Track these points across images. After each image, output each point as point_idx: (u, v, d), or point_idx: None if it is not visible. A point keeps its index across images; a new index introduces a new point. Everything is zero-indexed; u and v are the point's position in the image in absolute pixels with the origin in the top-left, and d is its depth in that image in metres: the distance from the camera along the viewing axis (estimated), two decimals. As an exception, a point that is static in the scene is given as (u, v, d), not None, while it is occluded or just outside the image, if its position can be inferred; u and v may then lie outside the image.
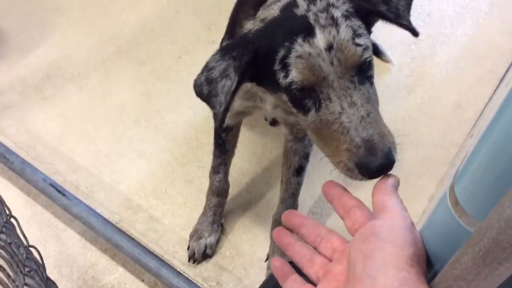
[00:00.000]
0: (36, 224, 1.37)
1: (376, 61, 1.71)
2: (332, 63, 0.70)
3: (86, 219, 1.32)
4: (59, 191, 1.36)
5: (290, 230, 0.69)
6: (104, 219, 1.34)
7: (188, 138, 1.56)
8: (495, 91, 1.33)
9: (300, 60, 0.71)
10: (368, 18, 0.78)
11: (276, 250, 1.25)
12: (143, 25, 1.86)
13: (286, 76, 0.72)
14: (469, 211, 0.48)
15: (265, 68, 0.75)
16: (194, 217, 1.35)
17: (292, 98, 0.76)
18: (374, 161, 0.67)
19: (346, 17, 0.73)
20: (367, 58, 0.73)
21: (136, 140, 1.56)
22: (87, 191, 1.44)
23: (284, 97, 0.77)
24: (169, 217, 1.39)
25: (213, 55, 0.79)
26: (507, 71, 1.35)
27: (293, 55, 0.71)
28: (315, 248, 0.65)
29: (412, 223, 0.57)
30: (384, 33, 1.85)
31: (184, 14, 1.87)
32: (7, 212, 0.99)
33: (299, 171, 1.22)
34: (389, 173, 0.66)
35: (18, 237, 0.97)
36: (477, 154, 0.47)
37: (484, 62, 1.76)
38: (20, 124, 1.58)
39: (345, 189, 0.65)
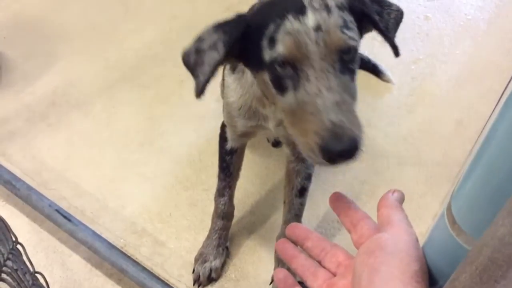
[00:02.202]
0: (42, 250, 1.37)
1: (376, 81, 1.75)
2: (317, 43, 0.72)
3: (92, 244, 1.32)
4: (64, 217, 1.37)
5: (295, 243, 0.69)
6: (109, 244, 1.34)
7: (192, 161, 1.57)
8: (494, 109, 1.34)
9: (288, 36, 0.72)
10: (361, 21, 0.80)
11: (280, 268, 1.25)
12: (146, 50, 1.89)
13: (271, 50, 0.74)
14: (466, 229, 0.49)
15: (253, 44, 0.77)
16: (199, 240, 1.35)
17: (273, 76, 0.77)
18: (338, 145, 0.67)
19: (340, 8, 0.76)
20: (351, 45, 0.74)
21: (141, 164, 1.57)
22: (92, 216, 1.45)
23: (266, 76, 0.78)
24: (174, 241, 1.39)
25: (207, 28, 0.81)
26: (505, 89, 1.36)
27: (282, 30, 0.73)
28: (320, 262, 0.66)
29: (417, 239, 0.58)
30: (383, 53, 1.87)
31: (186, 39, 1.89)
32: (13, 239, 1.00)
33: (302, 192, 1.22)
34: (395, 188, 0.66)
35: (24, 263, 0.98)
36: (472, 172, 0.48)
37: (483, 80, 1.78)
38: (26, 151, 1.60)
39: (352, 202, 0.66)
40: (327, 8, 0.74)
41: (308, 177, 1.21)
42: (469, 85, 1.78)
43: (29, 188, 1.45)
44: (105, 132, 1.66)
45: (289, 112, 0.77)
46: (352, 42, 0.74)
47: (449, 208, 0.51)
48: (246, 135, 1.16)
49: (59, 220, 1.37)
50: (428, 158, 1.57)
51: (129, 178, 1.54)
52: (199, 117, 1.68)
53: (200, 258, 1.31)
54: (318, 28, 0.72)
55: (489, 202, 0.45)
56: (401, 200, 0.63)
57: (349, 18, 0.77)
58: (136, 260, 1.33)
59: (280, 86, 0.77)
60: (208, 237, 1.33)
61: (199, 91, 0.80)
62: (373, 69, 1.77)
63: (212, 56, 0.78)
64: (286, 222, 1.27)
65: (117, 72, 1.83)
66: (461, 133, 1.62)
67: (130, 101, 1.75)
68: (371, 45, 1.90)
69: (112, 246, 1.33)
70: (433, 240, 0.57)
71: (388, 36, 0.81)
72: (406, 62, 1.85)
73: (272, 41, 0.74)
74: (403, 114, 1.69)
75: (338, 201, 0.66)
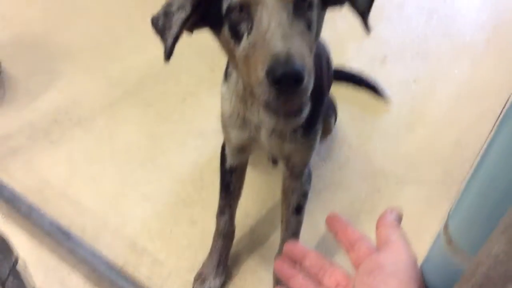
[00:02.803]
0: (42, 268, 1.37)
1: (376, 100, 1.77)
2: None
3: (91, 263, 1.32)
4: (65, 235, 1.37)
5: (293, 261, 0.69)
6: (109, 262, 1.34)
7: (193, 179, 1.58)
8: (492, 129, 1.35)
9: None
10: None
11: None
12: (148, 68, 1.92)
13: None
14: (463, 247, 0.49)
15: (215, 3, 0.80)
16: (199, 259, 1.35)
17: (230, 25, 0.79)
18: (282, 68, 0.68)
19: None
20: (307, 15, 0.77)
21: (142, 182, 1.58)
22: (92, 234, 1.45)
23: (226, 30, 0.80)
24: (173, 259, 1.39)
25: None
26: (502, 109, 1.37)
27: None
28: (318, 281, 0.65)
29: (416, 259, 0.58)
30: (383, 73, 1.89)
31: (188, 57, 1.92)
32: (15, 256, 1.00)
33: (299, 210, 1.22)
34: (392, 207, 0.66)
35: (25, 281, 0.98)
36: (468, 191, 0.49)
37: (482, 100, 1.79)
38: (28, 168, 1.61)
39: (349, 222, 0.66)
40: None
41: (304, 195, 1.21)
42: (468, 105, 1.79)
43: (30, 205, 1.45)
44: (106, 150, 1.67)
45: (244, 58, 0.78)
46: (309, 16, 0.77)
47: (446, 227, 0.52)
48: (242, 150, 1.17)
49: (59, 237, 1.37)
50: (428, 177, 1.57)
51: (130, 195, 1.54)
52: (201, 135, 1.69)
53: (200, 277, 1.31)
54: None
55: (485, 220, 0.46)
56: (399, 219, 0.63)
57: None
58: (136, 279, 1.32)
59: (236, 34, 0.79)
60: (209, 256, 1.33)
61: (168, 53, 0.82)
62: (373, 88, 1.78)
63: (179, 17, 0.81)
64: (284, 241, 1.27)
65: (120, 89, 1.85)
66: (460, 152, 1.63)
67: (132, 118, 1.76)
68: (371, 65, 1.92)
69: (111, 265, 1.33)
70: (431, 258, 0.58)
71: (357, 6, 0.81)
72: (405, 82, 1.87)
73: None
74: (403, 133, 1.70)
75: (335, 221, 0.67)
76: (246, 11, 0.76)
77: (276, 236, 1.42)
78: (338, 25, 1.91)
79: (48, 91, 1.85)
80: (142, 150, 1.66)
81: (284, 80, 0.68)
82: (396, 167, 1.60)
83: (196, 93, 1.83)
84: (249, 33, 0.76)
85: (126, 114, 1.77)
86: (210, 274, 1.30)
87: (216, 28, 0.85)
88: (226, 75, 1.06)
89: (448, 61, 1.96)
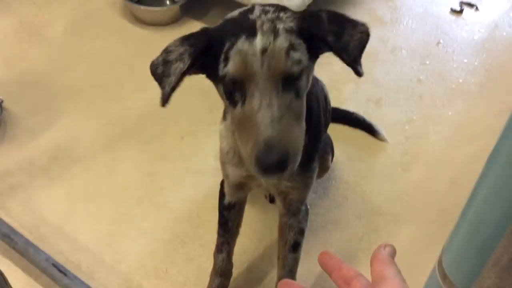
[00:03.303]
0: (36, 306, 1.36)
1: (372, 140, 1.80)
2: (262, 66, 0.78)
3: (87, 300, 1.31)
4: (60, 271, 1.37)
5: None
6: (105, 299, 1.33)
7: (190, 216, 1.58)
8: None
9: (238, 56, 0.80)
10: (313, 42, 0.85)
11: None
12: (149, 108, 1.95)
13: (225, 66, 0.81)
14: (457, 283, 0.50)
15: (214, 58, 0.84)
16: (195, 297, 1.34)
17: (225, 89, 0.84)
18: (268, 159, 0.77)
19: (287, 31, 0.82)
20: (295, 71, 0.81)
21: (139, 219, 1.58)
22: (88, 271, 1.44)
23: (221, 88, 0.86)
24: (169, 297, 1.38)
25: (174, 40, 0.87)
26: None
27: (234, 49, 0.80)
28: None
29: None
30: (378, 113, 1.93)
31: (187, 97, 1.96)
32: (10, 292, 0.99)
33: (295, 247, 1.22)
34: (386, 243, 0.67)
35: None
36: (460, 228, 0.50)
37: (476, 140, 1.82)
38: (25, 205, 1.61)
39: (343, 261, 0.67)
40: (275, 32, 0.80)
41: (301, 232, 1.22)
42: (462, 145, 1.82)
43: (27, 242, 1.45)
44: (104, 187, 1.68)
45: (238, 123, 0.84)
46: (295, 68, 0.81)
47: (440, 263, 0.53)
48: (240, 187, 1.18)
49: (55, 274, 1.36)
50: (424, 216, 1.58)
51: (127, 233, 1.54)
52: (199, 173, 1.71)
53: (196, 316, 1.29)
54: (264, 51, 0.79)
55: (477, 256, 0.47)
56: (393, 254, 0.64)
57: (297, 41, 0.82)
58: (131, 317, 1.31)
59: (231, 99, 0.84)
60: (205, 294, 1.32)
61: (164, 100, 0.86)
62: (368, 128, 1.82)
63: (178, 67, 0.84)
64: (280, 278, 1.25)
65: (119, 128, 1.88)
66: (456, 191, 1.65)
67: (131, 156, 1.78)
68: (366, 106, 1.96)
69: (107, 302, 1.32)
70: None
71: (344, 57, 0.83)
72: (400, 123, 1.90)
73: (226, 58, 0.81)
74: (398, 173, 1.73)
75: (328, 260, 0.67)
76: (239, 84, 0.82)
77: (273, 274, 1.41)
78: (334, 67, 1.96)
79: (49, 129, 1.87)
80: (140, 188, 1.67)
81: (269, 168, 0.78)
82: (392, 206, 1.62)
83: (194, 132, 1.85)
84: (242, 103, 0.82)
85: (125, 152, 1.79)
86: (207, 312, 1.29)
87: (213, 79, 0.89)
88: (225, 113, 1.09)
89: (442, 103, 2.01)
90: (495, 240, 0.43)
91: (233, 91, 0.83)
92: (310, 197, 1.61)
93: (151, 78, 0.89)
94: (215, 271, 1.30)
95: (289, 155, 0.78)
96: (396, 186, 1.68)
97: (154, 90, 0.86)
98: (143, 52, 2.22)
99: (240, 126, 0.84)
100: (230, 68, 0.80)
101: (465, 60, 2.22)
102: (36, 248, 1.43)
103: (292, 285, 0.69)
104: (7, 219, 1.54)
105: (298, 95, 0.84)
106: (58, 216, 1.58)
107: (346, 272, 0.64)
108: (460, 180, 1.68)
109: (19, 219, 1.56)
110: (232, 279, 1.36)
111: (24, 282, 1.41)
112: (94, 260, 1.47)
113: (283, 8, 0.87)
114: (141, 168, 1.74)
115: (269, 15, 0.83)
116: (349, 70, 0.83)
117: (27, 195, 1.64)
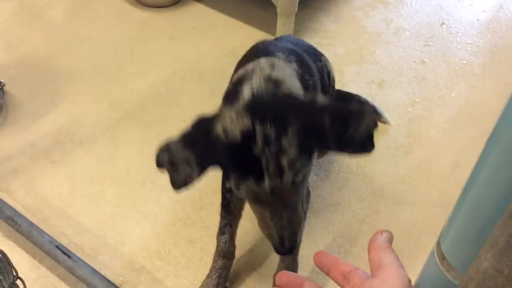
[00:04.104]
0: (41, 286, 1.37)
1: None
2: (271, 197, 0.86)
3: (90, 281, 1.33)
4: (64, 253, 1.38)
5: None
6: (108, 281, 1.34)
7: (192, 199, 1.59)
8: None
9: (248, 191, 0.87)
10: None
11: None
12: (150, 91, 1.94)
13: (235, 188, 0.88)
14: (455, 265, 0.50)
15: (224, 169, 0.90)
16: (198, 278, 1.36)
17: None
18: (280, 250, 0.96)
19: (292, 162, 0.83)
20: (299, 191, 0.90)
21: (141, 202, 1.59)
22: (92, 253, 1.45)
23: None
24: (172, 279, 1.39)
25: (175, 142, 0.89)
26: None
27: (244, 185, 0.86)
28: None
29: (409, 281, 0.59)
30: (381, 95, 1.92)
31: (189, 81, 1.96)
32: (14, 274, 1.01)
33: None
34: (383, 229, 0.67)
35: (24, 298, 0.98)
36: (459, 210, 0.50)
37: (479, 122, 1.82)
38: (28, 188, 1.62)
39: (338, 258, 0.67)
40: (281, 171, 0.83)
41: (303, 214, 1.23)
42: (465, 127, 1.82)
43: (31, 224, 1.46)
44: (107, 170, 1.68)
45: (257, 213, 0.96)
46: (300, 189, 0.90)
47: (438, 245, 0.53)
48: None
49: (59, 256, 1.38)
50: (425, 199, 1.58)
51: (130, 215, 1.55)
52: (200, 156, 1.71)
53: (199, 297, 1.31)
54: (273, 191, 0.85)
55: (475, 237, 0.47)
56: (390, 240, 0.64)
57: (301, 162, 0.85)
58: (134, 298, 1.32)
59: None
60: (208, 276, 1.33)
61: (177, 188, 0.93)
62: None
63: (187, 172, 0.88)
64: (283, 259, 1.29)
65: (121, 111, 1.88)
66: (458, 174, 1.65)
67: (132, 140, 1.78)
68: (369, 88, 1.95)
69: (110, 284, 1.34)
70: (425, 277, 0.59)
71: (349, 151, 0.83)
72: (403, 105, 1.90)
73: (238, 184, 0.87)
74: (401, 155, 1.72)
75: (325, 258, 0.67)
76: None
77: (275, 255, 1.42)
78: (336, 49, 1.95)
79: (50, 112, 1.87)
80: (142, 171, 1.68)
81: (284, 252, 0.97)
82: (394, 188, 1.62)
83: (196, 115, 1.84)
84: (258, 205, 0.92)
85: (127, 135, 1.79)
86: (209, 293, 1.31)
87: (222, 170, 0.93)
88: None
89: (445, 84, 1.99)
90: (493, 222, 0.43)
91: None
92: (312, 179, 1.62)
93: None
94: (218, 253, 1.31)
95: (293, 246, 0.95)
96: (398, 169, 1.68)
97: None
98: (144, 34, 2.22)
99: (259, 215, 0.95)
100: (243, 195, 0.89)
101: (469, 41, 2.20)
102: (39, 230, 1.45)
103: (289, 276, 0.69)
104: (10, 201, 1.55)
105: (299, 194, 0.92)
106: (61, 199, 1.59)
107: (344, 267, 0.63)
108: (463, 162, 1.68)
109: (22, 202, 1.57)
110: (234, 261, 1.37)
111: (29, 264, 1.42)
112: (97, 242, 1.48)
113: (285, 118, 0.83)
114: (143, 151, 1.74)
115: (272, 148, 0.81)
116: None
117: (30, 178, 1.65)
